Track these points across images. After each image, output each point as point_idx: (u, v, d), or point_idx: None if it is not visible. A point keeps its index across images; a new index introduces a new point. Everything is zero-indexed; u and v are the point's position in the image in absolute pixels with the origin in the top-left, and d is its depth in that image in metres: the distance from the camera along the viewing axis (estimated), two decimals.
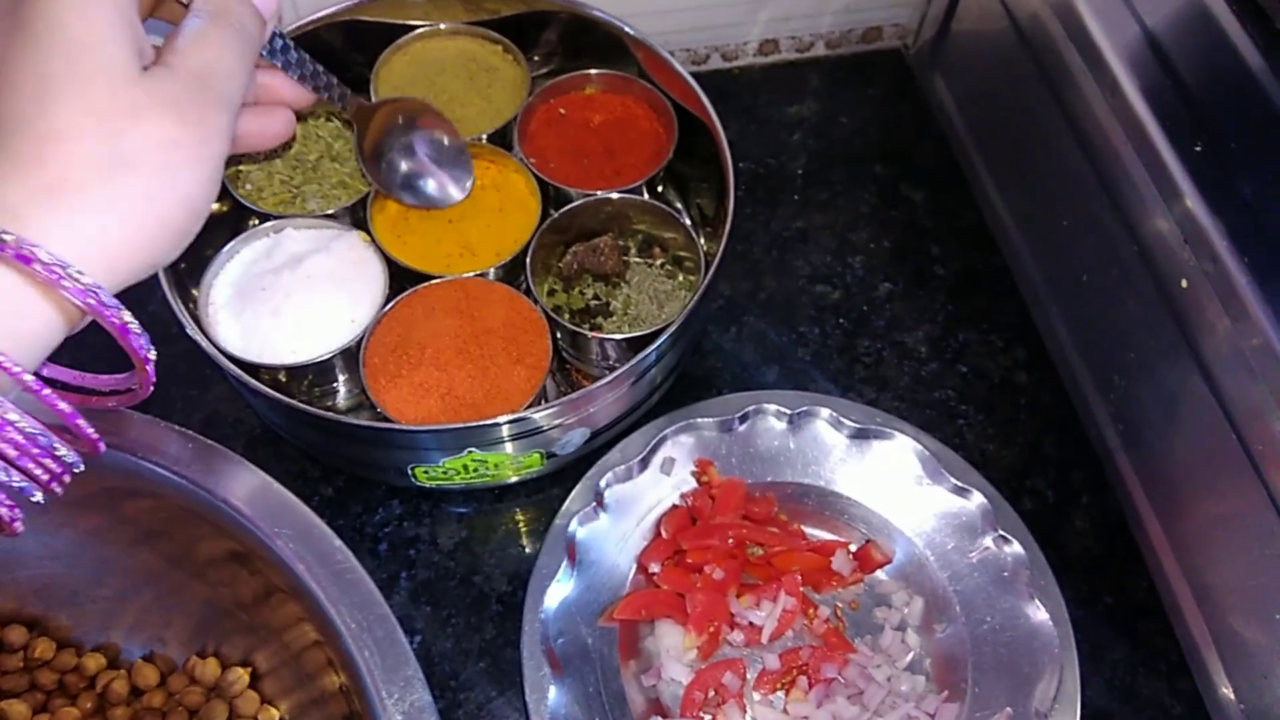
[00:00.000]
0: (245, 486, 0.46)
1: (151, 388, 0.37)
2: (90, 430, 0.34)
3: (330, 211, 0.65)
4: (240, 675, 0.54)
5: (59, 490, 0.34)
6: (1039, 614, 0.59)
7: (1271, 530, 0.51)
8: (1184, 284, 0.53)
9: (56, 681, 0.56)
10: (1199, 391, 0.55)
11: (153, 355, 0.35)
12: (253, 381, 0.57)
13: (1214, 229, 0.50)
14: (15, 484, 0.32)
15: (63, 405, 0.32)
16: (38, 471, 0.33)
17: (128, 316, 0.33)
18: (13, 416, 0.31)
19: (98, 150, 0.32)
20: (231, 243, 0.64)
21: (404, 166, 0.63)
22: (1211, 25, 0.58)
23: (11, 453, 0.32)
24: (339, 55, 0.72)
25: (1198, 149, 0.53)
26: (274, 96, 0.47)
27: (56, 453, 0.33)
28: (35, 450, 0.32)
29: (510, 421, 0.56)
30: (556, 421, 0.59)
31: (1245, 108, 0.54)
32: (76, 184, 0.31)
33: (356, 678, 0.42)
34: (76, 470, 0.35)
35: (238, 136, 0.45)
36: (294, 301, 0.61)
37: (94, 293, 0.31)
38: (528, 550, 0.64)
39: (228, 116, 0.37)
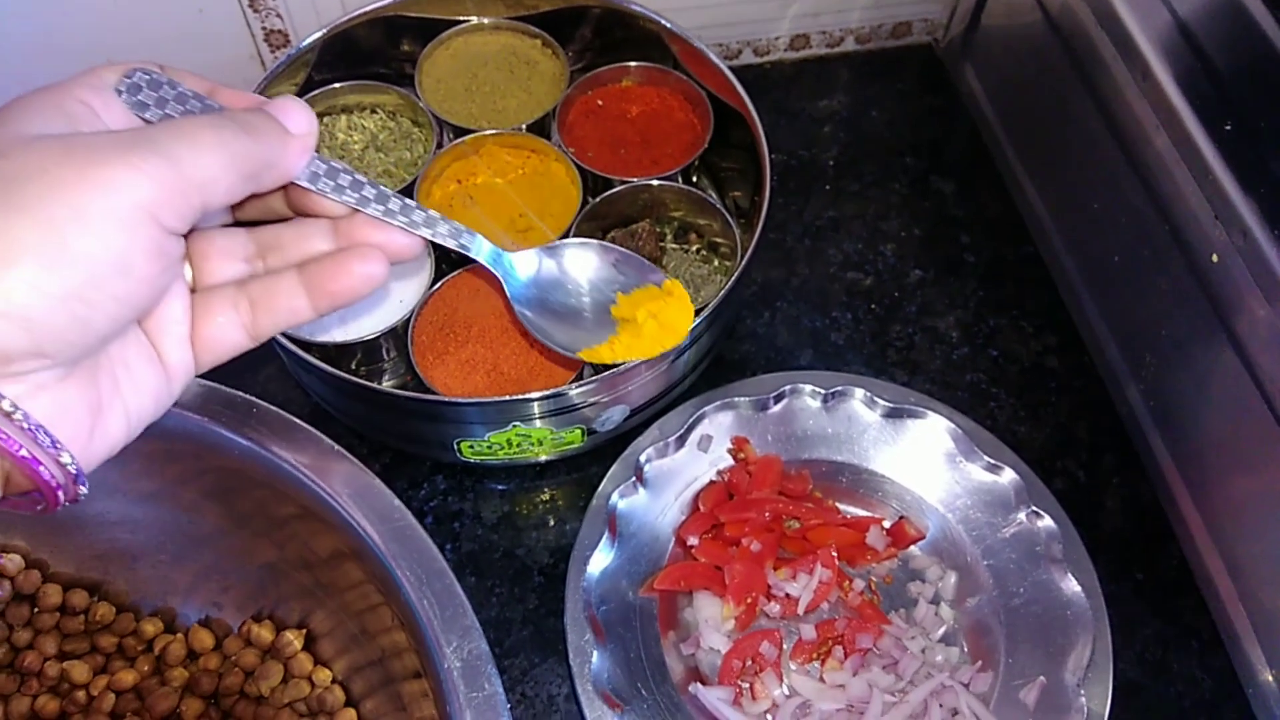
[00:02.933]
0: (306, 448, 0.48)
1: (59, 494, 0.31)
2: None
3: None
4: (292, 639, 0.56)
5: None
6: (1071, 587, 0.60)
7: None
8: (1214, 259, 0.55)
9: (115, 645, 0.58)
10: (1231, 367, 0.56)
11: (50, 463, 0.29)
12: (307, 357, 0.59)
13: (1243, 204, 0.51)
14: None
15: None
16: None
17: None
18: None
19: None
20: None
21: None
22: (1240, 10, 0.59)
23: None
24: (383, 50, 0.74)
25: (1228, 128, 0.54)
26: (357, 237, 0.37)
27: None
28: None
29: (552, 396, 0.58)
30: (596, 398, 0.60)
31: (1274, 88, 0.55)
32: None
33: (417, 629, 0.44)
34: None
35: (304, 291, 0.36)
36: None
37: None
38: (568, 525, 0.66)
39: (177, 182, 0.30)
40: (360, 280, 0.36)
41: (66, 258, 0.28)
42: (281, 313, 0.37)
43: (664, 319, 0.54)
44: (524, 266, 0.50)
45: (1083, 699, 0.56)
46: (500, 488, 0.68)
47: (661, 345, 0.53)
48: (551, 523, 0.66)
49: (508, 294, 0.49)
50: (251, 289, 0.36)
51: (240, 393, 0.50)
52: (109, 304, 0.29)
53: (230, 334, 0.36)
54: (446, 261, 0.66)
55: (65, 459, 0.30)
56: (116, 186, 0.28)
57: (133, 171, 0.29)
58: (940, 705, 0.58)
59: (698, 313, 0.60)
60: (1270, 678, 0.58)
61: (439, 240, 0.41)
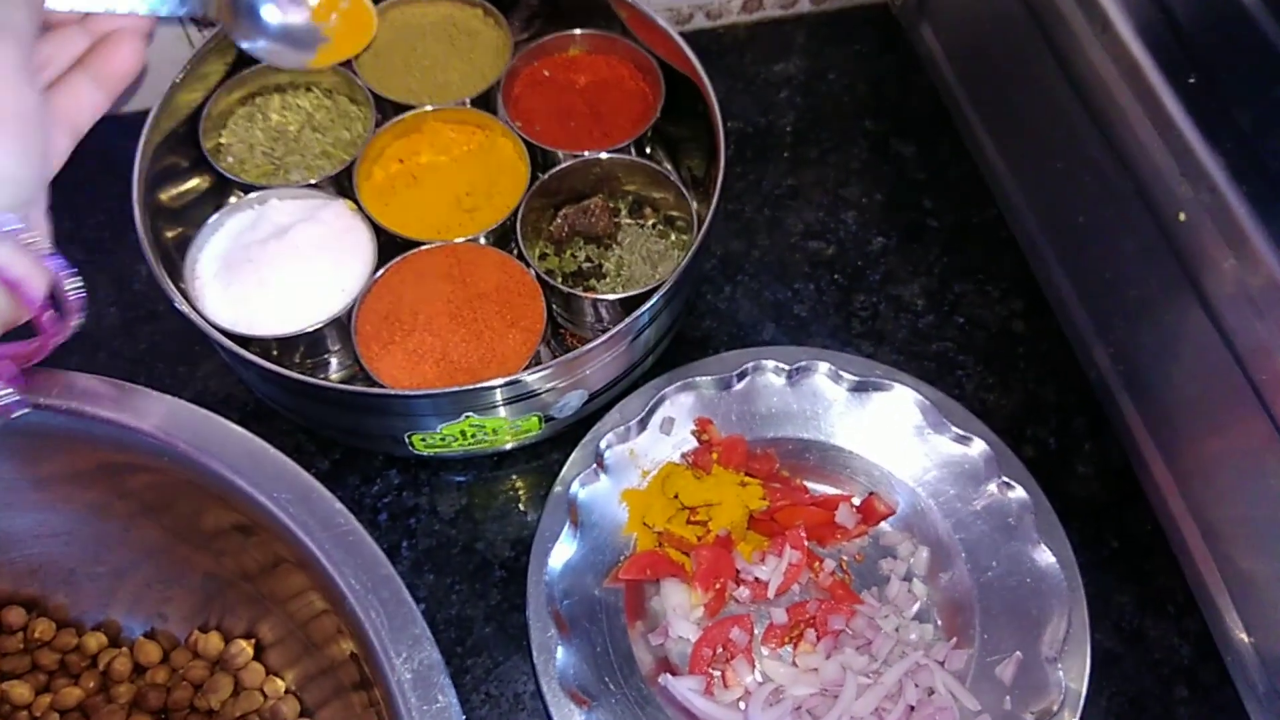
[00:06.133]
0: (242, 453, 0.45)
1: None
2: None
3: (314, 181, 0.64)
4: (244, 648, 0.54)
5: None
6: (1045, 558, 0.59)
7: (1276, 462, 0.51)
8: (1182, 217, 0.53)
9: (58, 662, 0.55)
10: (1201, 327, 0.54)
11: (41, 274, 0.35)
12: (245, 353, 0.56)
13: (1210, 159, 0.50)
14: None
15: None
16: None
17: None
18: None
19: None
20: (215, 215, 0.63)
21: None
22: None
23: None
24: None
25: (1191, 81, 0.52)
26: (109, 28, 0.44)
27: None
28: None
29: (506, 384, 0.56)
30: (553, 383, 0.58)
31: (1237, 39, 0.53)
32: None
33: (364, 640, 0.41)
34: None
35: (93, 81, 0.42)
36: (282, 272, 0.60)
37: None
38: (529, 516, 0.64)
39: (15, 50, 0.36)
40: (133, 56, 0.44)
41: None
42: (85, 111, 0.43)
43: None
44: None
45: (1060, 672, 0.55)
46: (458, 479, 0.65)
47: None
48: (511, 514, 0.64)
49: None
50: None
51: (171, 397, 0.47)
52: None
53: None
54: (395, 245, 0.63)
55: None
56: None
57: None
58: (915, 685, 0.56)
59: (656, 289, 0.58)
60: (1247, 641, 0.57)
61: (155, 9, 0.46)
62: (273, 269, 0.60)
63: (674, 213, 0.67)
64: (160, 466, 0.47)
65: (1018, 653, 0.57)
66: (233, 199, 0.66)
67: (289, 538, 0.44)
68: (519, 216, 0.63)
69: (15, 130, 0.35)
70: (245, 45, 0.58)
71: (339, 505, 0.44)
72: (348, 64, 0.68)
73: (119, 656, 0.55)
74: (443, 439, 0.60)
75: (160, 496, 0.50)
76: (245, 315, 0.59)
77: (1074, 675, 0.56)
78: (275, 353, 0.62)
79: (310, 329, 0.59)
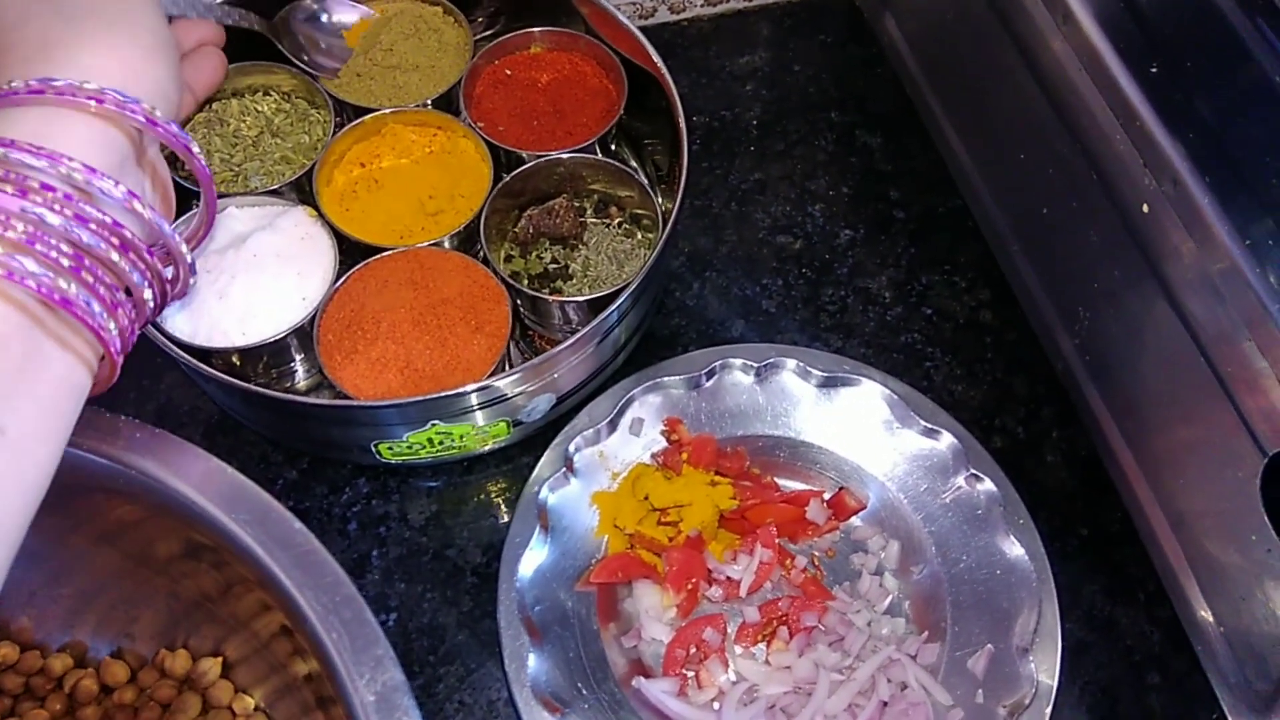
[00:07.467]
0: (198, 474, 0.45)
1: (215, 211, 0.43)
2: (178, 240, 0.38)
3: (274, 188, 0.63)
4: (212, 665, 0.53)
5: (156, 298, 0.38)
6: (1014, 550, 0.59)
7: (1243, 452, 0.51)
8: (1145, 209, 0.53)
9: (23, 685, 0.54)
10: (1165, 317, 0.54)
11: (196, 149, 0.40)
12: (204, 367, 0.55)
13: (1173, 150, 0.50)
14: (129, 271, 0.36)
15: (153, 211, 0.37)
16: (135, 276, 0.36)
17: (159, 116, 0.37)
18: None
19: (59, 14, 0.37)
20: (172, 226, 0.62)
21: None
22: None
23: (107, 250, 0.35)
24: None
25: (1153, 70, 0.52)
26: (194, 39, 0.53)
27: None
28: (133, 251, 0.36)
29: (472, 391, 0.55)
30: (520, 388, 0.58)
31: (1199, 27, 0.53)
32: (58, 40, 0.37)
33: (326, 661, 0.41)
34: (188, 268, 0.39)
35: (186, 86, 0.50)
36: (241, 282, 0.59)
37: (133, 104, 0.36)
38: (500, 520, 0.64)
39: None
40: (221, 69, 0.54)
41: (151, 25, 0.39)
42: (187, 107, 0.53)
43: None
44: None
45: (1032, 664, 0.56)
46: (427, 485, 0.65)
47: None
48: (482, 519, 0.64)
49: None
50: None
51: (124, 417, 0.46)
52: (166, 41, 0.40)
53: None
54: (357, 252, 0.62)
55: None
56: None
57: None
58: (888, 680, 0.57)
59: (623, 290, 0.58)
60: (1216, 629, 0.58)
61: (229, 20, 0.57)
62: (231, 279, 0.59)
63: (640, 211, 0.67)
64: (116, 489, 0.46)
65: (989, 645, 0.57)
66: (191, 205, 0.65)
67: (249, 559, 0.43)
68: (483, 219, 0.63)
69: (165, 54, 0.39)
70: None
71: (298, 525, 0.43)
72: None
73: (85, 677, 0.54)
74: (409, 447, 0.59)
75: (113, 521, 0.49)
76: (205, 327, 0.59)
77: (1046, 666, 0.56)
78: (238, 363, 0.61)
79: (271, 340, 0.58)
